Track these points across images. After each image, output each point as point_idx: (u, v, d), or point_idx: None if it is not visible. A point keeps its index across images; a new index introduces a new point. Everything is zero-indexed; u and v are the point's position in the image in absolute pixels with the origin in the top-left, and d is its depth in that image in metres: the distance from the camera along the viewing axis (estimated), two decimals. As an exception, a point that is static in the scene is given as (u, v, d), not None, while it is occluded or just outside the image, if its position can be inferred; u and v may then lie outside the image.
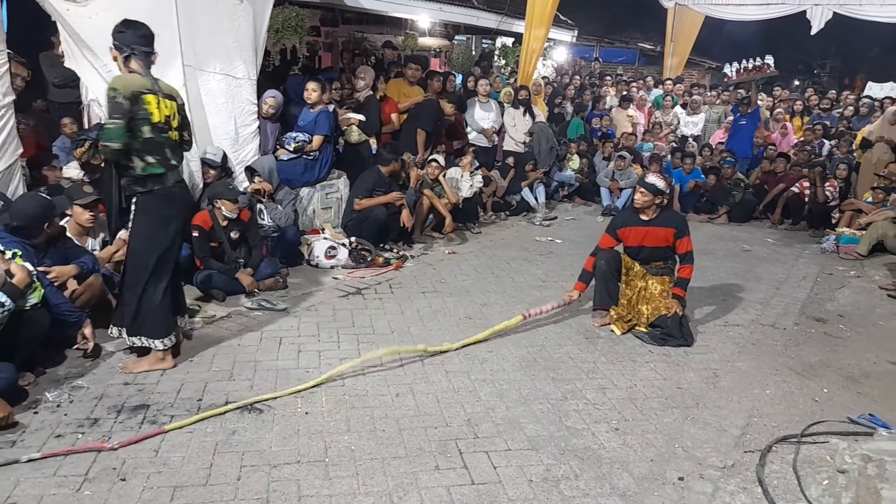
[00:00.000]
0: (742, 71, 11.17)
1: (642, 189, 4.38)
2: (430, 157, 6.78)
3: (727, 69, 11.23)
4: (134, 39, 3.34)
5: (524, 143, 8.39)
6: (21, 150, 4.37)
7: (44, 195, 3.88)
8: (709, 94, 11.39)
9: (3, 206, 3.96)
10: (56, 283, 3.63)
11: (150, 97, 3.33)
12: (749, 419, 3.38)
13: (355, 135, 6.72)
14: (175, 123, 3.52)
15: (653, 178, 4.42)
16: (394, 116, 7.16)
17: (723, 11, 11.13)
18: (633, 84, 11.90)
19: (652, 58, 19.33)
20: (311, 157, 6.04)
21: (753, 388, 3.73)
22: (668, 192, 4.48)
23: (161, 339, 3.54)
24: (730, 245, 7.19)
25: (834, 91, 12.04)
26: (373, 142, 6.84)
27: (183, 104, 3.64)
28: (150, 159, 3.38)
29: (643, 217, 4.43)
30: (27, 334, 3.27)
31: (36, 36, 4.28)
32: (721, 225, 8.25)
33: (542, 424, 3.21)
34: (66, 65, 4.92)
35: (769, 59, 11.15)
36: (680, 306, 4.33)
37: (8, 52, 4.14)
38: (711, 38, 12.52)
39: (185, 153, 3.77)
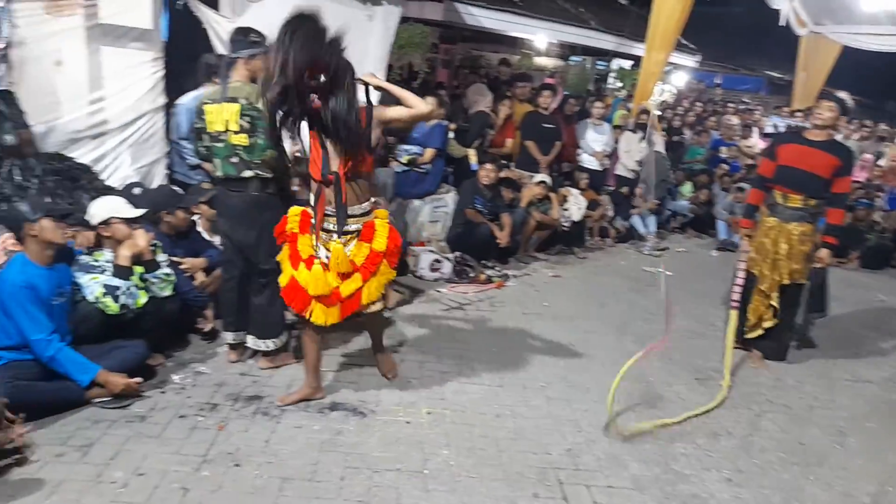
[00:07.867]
0: None
1: (830, 103, 4.04)
2: (539, 179, 6.74)
3: None
4: (244, 45, 3.31)
5: (635, 170, 8.15)
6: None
7: (174, 188, 4.31)
8: (848, 127, 10.52)
9: (142, 192, 4.34)
10: (186, 274, 3.93)
11: (209, 107, 3.33)
12: (881, 487, 3.07)
13: (456, 149, 6.83)
14: (235, 127, 3.25)
15: (843, 94, 4.14)
16: (508, 141, 7.23)
17: (862, 41, 10.25)
18: (756, 112, 11.30)
19: (779, 87, 18.29)
20: (422, 170, 6.19)
21: (886, 454, 3.39)
22: (852, 113, 4.15)
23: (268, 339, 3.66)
24: (861, 293, 6.61)
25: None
26: (472, 156, 6.89)
27: (247, 105, 3.20)
28: (208, 167, 3.67)
29: (810, 137, 4.11)
30: (161, 318, 3.54)
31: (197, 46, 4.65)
32: (852, 271, 7.59)
33: (646, 465, 3.07)
34: None
35: None
36: (831, 257, 3.88)
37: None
38: (850, 69, 11.56)
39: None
